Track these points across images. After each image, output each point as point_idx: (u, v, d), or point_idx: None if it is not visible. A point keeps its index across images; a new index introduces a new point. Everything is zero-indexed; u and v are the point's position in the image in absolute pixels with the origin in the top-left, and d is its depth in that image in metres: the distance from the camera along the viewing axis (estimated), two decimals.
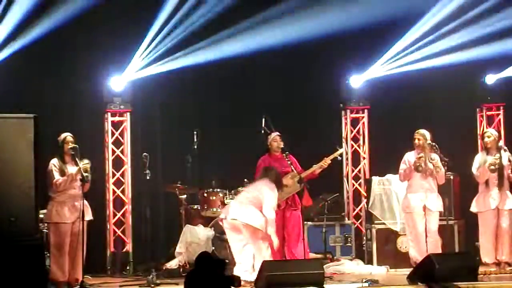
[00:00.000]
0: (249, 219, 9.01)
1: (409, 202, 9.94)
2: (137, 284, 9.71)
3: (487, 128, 11.78)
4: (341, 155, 10.25)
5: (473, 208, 10.25)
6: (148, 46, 11.38)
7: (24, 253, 8.11)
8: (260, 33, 12.02)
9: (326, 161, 9.77)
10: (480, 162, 10.10)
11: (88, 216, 9.33)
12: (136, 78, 11.46)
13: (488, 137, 10.17)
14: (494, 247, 10.09)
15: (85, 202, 9.29)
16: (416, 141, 9.88)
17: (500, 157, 10.02)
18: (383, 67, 11.97)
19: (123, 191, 11.51)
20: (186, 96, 12.19)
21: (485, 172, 10.04)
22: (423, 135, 9.87)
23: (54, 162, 9.22)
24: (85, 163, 9.20)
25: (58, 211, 9.14)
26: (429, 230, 9.82)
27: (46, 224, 9.59)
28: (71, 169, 9.19)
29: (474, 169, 10.17)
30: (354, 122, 12.37)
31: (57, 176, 9.15)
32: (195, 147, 11.38)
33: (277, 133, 10.00)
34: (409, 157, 9.95)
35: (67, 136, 9.29)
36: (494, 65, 11.88)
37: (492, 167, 9.99)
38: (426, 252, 9.49)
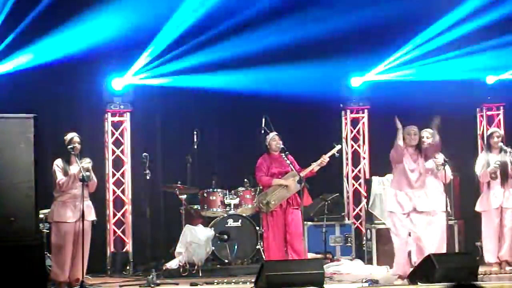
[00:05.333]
0: None
1: None
2: (137, 284, 9.71)
3: (487, 128, 11.77)
4: (339, 151, 10.21)
5: (477, 207, 10.26)
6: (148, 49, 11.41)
7: (24, 253, 8.11)
8: (260, 33, 12.02)
9: (325, 159, 9.76)
10: (483, 164, 10.08)
11: (91, 216, 9.32)
12: (138, 83, 11.51)
13: (498, 137, 10.16)
14: (496, 247, 10.08)
15: (89, 203, 9.29)
16: (425, 138, 9.66)
17: (503, 159, 10.01)
18: (384, 72, 11.98)
19: (123, 191, 11.51)
20: (186, 96, 12.18)
21: (486, 175, 10.05)
22: (433, 133, 9.77)
23: (58, 163, 9.23)
24: (86, 162, 9.19)
25: (60, 210, 9.16)
26: (430, 230, 9.77)
27: (46, 224, 9.62)
28: (74, 169, 9.19)
29: (477, 170, 10.17)
30: (354, 122, 12.36)
31: (60, 176, 9.16)
32: (195, 147, 11.37)
33: (275, 133, 9.99)
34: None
35: (74, 136, 9.28)
36: (495, 66, 11.88)
37: (493, 175, 10.00)
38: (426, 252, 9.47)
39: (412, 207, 9.27)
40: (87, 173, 9.08)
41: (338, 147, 10.09)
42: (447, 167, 9.50)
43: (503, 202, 10.06)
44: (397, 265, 9.42)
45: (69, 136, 9.28)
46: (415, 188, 9.30)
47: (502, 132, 10.52)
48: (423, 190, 9.33)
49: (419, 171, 9.31)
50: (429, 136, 9.65)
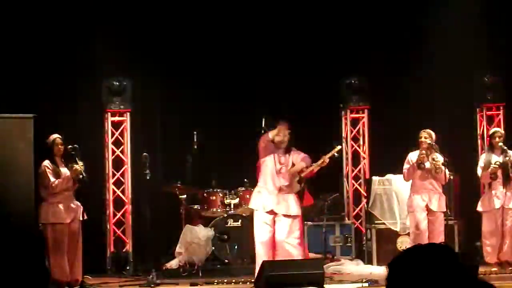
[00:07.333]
0: None
1: (412, 202, 9.96)
2: (137, 284, 9.71)
3: (487, 128, 11.77)
4: (339, 152, 10.19)
5: (479, 207, 10.28)
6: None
7: (24, 253, 8.10)
8: (260, 32, 12.03)
9: (325, 159, 9.74)
10: (486, 163, 10.10)
11: (83, 216, 9.33)
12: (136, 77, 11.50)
13: (499, 137, 10.19)
14: (497, 247, 10.09)
15: (78, 203, 9.28)
16: (423, 139, 9.78)
17: (504, 159, 10.03)
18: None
19: (123, 191, 11.50)
20: (186, 96, 12.18)
21: (487, 175, 10.07)
22: (430, 134, 9.83)
23: (47, 164, 9.14)
24: (81, 165, 9.18)
25: (53, 212, 9.10)
26: (432, 230, 9.81)
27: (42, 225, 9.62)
28: (63, 170, 9.17)
29: (478, 171, 10.19)
30: (354, 122, 12.35)
31: (52, 177, 9.11)
32: (195, 147, 11.37)
33: None
34: (413, 156, 9.93)
35: (57, 138, 9.24)
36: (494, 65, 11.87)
37: (493, 175, 10.02)
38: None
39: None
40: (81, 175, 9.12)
41: (338, 147, 10.06)
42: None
43: (504, 203, 10.08)
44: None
45: (51, 138, 9.24)
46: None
47: (503, 132, 10.52)
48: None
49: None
50: (426, 136, 9.73)
